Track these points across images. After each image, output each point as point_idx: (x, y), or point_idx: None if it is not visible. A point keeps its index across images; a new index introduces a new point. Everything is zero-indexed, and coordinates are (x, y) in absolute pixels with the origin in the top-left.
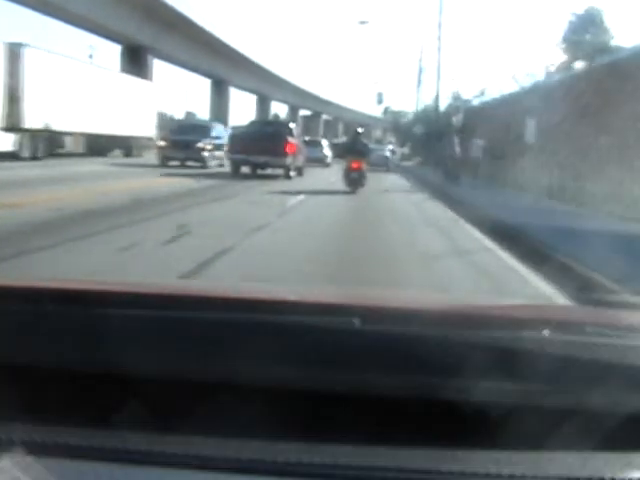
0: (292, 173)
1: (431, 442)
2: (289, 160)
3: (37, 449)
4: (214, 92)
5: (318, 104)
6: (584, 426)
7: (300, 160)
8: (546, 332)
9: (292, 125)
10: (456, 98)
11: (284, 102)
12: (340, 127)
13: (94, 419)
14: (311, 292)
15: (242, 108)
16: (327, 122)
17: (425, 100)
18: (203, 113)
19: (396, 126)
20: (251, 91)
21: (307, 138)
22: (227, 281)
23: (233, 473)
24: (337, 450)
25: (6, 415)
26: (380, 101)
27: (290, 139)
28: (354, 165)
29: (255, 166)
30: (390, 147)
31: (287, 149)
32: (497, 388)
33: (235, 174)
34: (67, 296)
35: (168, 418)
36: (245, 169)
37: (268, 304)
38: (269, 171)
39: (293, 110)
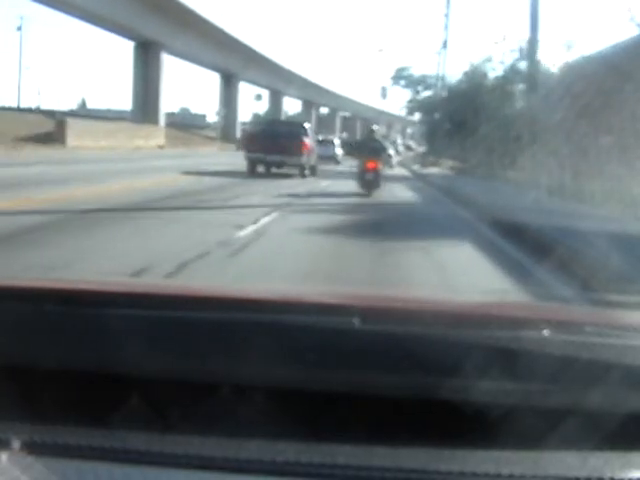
0: (306, 172)
1: (430, 442)
2: (304, 159)
3: (37, 449)
4: (138, 60)
5: (309, 91)
6: (583, 426)
7: (313, 159)
8: (546, 332)
9: (307, 125)
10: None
11: (261, 85)
12: (337, 122)
13: (94, 419)
14: (311, 292)
15: (200, 89)
16: (321, 116)
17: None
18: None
19: (420, 106)
20: (210, 67)
21: (320, 137)
22: (226, 281)
23: (233, 473)
24: (336, 450)
25: (6, 415)
26: (384, 95)
27: (305, 139)
28: (369, 165)
29: (271, 165)
30: (402, 141)
31: (303, 148)
32: (497, 388)
33: (251, 173)
34: (67, 296)
35: (168, 418)
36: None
37: (267, 304)
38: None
39: (275, 96)
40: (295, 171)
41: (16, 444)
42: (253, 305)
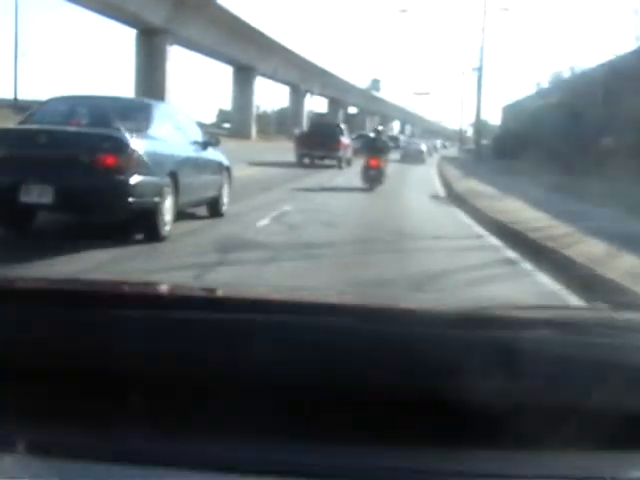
0: (343, 164)
1: (431, 442)
2: (341, 154)
3: (37, 449)
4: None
5: (255, 49)
6: (584, 426)
7: (349, 153)
8: (546, 332)
9: (343, 126)
10: None
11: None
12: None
13: (94, 419)
14: (311, 292)
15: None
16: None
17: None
18: None
19: None
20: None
21: (358, 133)
22: (226, 282)
23: (233, 473)
24: (336, 450)
25: (7, 415)
26: (377, 88)
27: (342, 138)
28: (373, 163)
29: (316, 158)
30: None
31: (340, 146)
32: (497, 388)
33: (300, 163)
34: (68, 296)
35: (168, 418)
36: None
37: (267, 304)
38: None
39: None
40: (334, 162)
41: (17, 444)
42: (253, 305)
